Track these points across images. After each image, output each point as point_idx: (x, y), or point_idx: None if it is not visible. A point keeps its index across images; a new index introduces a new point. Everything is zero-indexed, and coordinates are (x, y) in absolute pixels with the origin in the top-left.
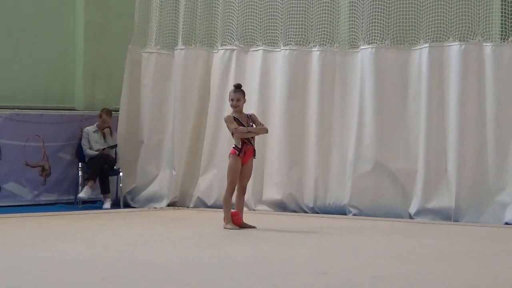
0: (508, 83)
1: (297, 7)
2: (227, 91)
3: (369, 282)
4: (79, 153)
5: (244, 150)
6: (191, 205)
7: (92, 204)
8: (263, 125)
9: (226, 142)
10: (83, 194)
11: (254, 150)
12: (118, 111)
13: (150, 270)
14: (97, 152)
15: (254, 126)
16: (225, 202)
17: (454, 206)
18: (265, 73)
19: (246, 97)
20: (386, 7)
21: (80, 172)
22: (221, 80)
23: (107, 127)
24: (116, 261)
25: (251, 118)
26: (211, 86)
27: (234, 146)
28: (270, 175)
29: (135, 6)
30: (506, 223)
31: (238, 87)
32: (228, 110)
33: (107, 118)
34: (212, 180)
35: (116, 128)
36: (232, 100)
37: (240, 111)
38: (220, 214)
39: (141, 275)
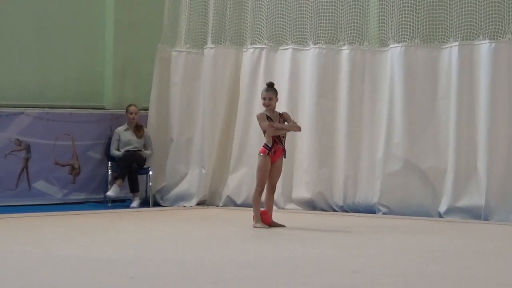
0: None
1: (326, 5)
2: (257, 90)
3: (398, 280)
4: (108, 152)
5: (274, 149)
6: (221, 204)
7: (121, 202)
8: (295, 123)
9: (256, 141)
10: (111, 192)
11: (284, 150)
12: (147, 109)
13: (179, 269)
14: (120, 153)
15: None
16: (255, 201)
17: (484, 205)
18: (295, 71)
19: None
20: (416, 5)
21: (109, 170)
22: (251, 79)
23: (136, 121)
24: (145, 260)
25: (283, 117)
26: (240, 85)
27: (264, 145)
28: (300, 174)
29: (165, 5)
30: None
31: (270, 86)
32: (259, 109)
33: (133, 109)
34: (242, 179)
35: (145, 126)
36: (264, 98)
37: (273, 110)
38: (249, 213)
39: (170, 274)
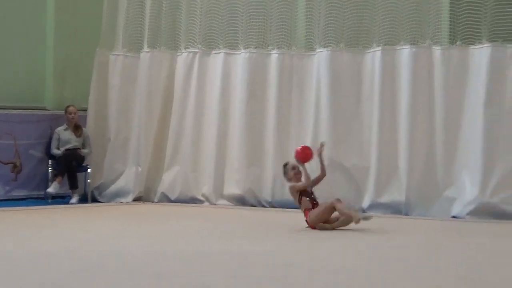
0: (456, 85)
1: (256, 11)
2: (190, 92)
3: (329, 274)
4: (49, 151)
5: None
6: (156, 200)
7: (61, 199)
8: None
9: (189, 140)
10: (51, 189)
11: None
12: (86, 110)
13: (117, 262)
14: (60, 152)
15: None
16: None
17: (405, 201)
18: (226, 74)
19: (208, 98)
20: (341, 12)
21: (50, 168)
22: (184, 82)
23: (75, 121)
24: (83, 253)
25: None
26: (175, 87)
27: (305, 211)
28: (231, 172)
29: (103, 10)
30: (453, 217)
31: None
32: (192, 110)
33: (72, 109)
34: (176, 176)
35: (84, 126)
36: (294, 169)
37: (299, 179)
38: (183, 209)
39: (109, 267)
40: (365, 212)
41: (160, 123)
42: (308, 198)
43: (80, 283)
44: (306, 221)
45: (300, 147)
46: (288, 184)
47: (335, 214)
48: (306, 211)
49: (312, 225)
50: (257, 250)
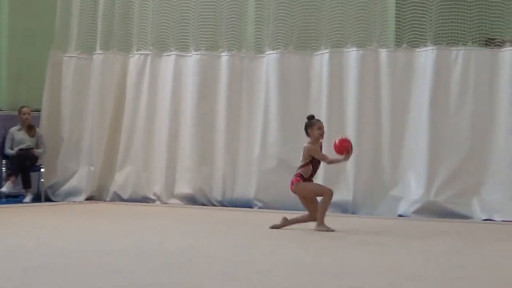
0: (402, 87)
1: (207, 14)
2: (142, 93)
3: (272, 270)
4: (3, 151)
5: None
6: (108, 199)
7: (15, 198)
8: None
9: (141, 140)
10: (5, 188)
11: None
12: (40, 111)
13: (70, 259)
14: (13, 152)
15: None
16: (324, 208)
17: (352, 200)
18: (177, 76)
19: (160, 99)
20: (290, 15)
21: (3, 168)
22: (136, 83)
23: (28, 121)
24: (37, 251)
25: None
26: (127, 88)
27: (298, 174)
28: (182, 171)
29: (56, 12)
30: (399, 215)
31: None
32: (144, 111)
33: (25, 110)
34: (128, 176)
35: (38, 126)
36: (320, 128)
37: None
38: (135, 207)
39: (62, 264)
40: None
41: (112, 124)
42: (313, 169)
43: (31, 280)
44: (292, 182)
45: (338, 140)
46: (308, 143)
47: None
48: (297, 177)
49: (295, 191)
50: (206, 248)
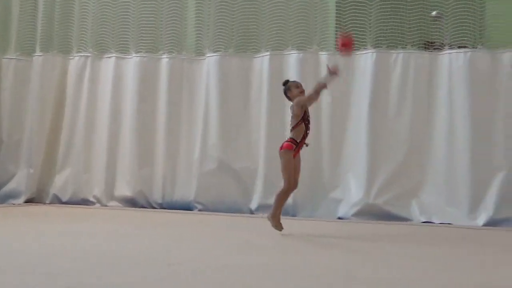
0: (342, 89)
1: (147, 17)
2: (82, 95)
3: (214, 272)
4: None
5: (300, 145)
6: (47, 202)
7: None
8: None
9: (81, 143)
10: None
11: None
12: None
13: (5, 261)
14: None
15: None
16: (281, 201)
17: (292, 202)
18: (118, 78)
19: (100, 101)
20: (230, 18)
21: None
22: (76, 85)
23: None
24: None
25: None
26: (67, 90)
27: (290, 139)
28: (122, 173)
29: None
30: (339, 218)
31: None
32: (84, 113)
33: None
34: (67, 178)
35: None
36: (298, 87)
37: None
38: (74, 210)
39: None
40: (254, 213)
41: (52, 126)
42: (305, 128)
43: None
44: (282, 146)
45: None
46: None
47: None
48: (290, 142)
49: (280, 154)
50: (142, 250)
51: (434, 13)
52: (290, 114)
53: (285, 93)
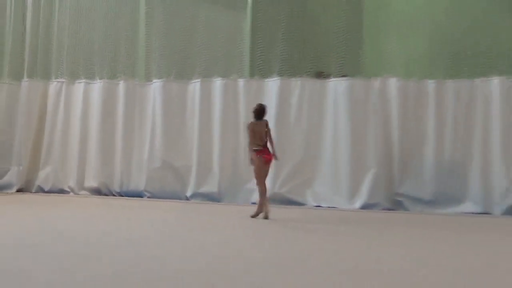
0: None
1: (109, 49)
2: (59, 112)
3: (139, 242)
4: None
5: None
6: (33, 191)
7: None
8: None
9: (59, 147)
10: None
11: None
12: None
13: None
14: None
15: None
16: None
17: (218, 191)
18: (86, 99)
19: (73, 117)
20: (171, 50)
21: None
22: (54, 104)
23: None
24: None
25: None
26: (47, 109)
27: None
28: (89, 170)
29: None
30: (252, 203)
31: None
32: (61, 126)
33: None
34: (48, 173)
35: None
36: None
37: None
38: (52, 198)
39: None
40: (189, 199)
41: (36, 134)
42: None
43: None
44: (269, 159)
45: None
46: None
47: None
48: (272, 155)
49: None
50: (105, 228)
51: (318, 72)
52: (265, 130)
53: (262, 114)
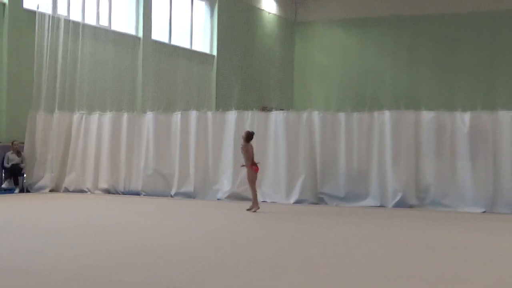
0: (216, 132)
1: (114, 88)
2: (80, 137)
3: (126, 228)
4: (3, 165)
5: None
6: (61, 191)
7: (9, 190)
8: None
9: (79, 162)
10: (4, 185)
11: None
12: (23, 143)
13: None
14: (8, 165)
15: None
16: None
17: (193, 191)
18: (100, 127)
19: (90, 139)
20: (160, 90)
21: (3, 174)
22: (77, 131)
23: (17, 149)
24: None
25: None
26: (72, 134)
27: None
28: (102, 175)
29: (33, 84)
30: (218, 199)
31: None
32: (80, 148)
33: (15, 142)
34: (72, 178)
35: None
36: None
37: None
38: (75, 195)
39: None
40: (173, 197)
41: (64, 151)
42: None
43: None
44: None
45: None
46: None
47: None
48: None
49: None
50: (111, 217)
51: (263, 107)
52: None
53: (251, 138)
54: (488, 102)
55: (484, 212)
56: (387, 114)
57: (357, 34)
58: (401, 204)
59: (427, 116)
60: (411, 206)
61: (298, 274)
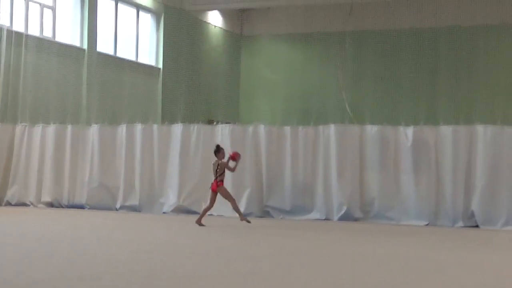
0: (164, 146)
1: (58, 99)
2: (23, 149)
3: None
4: None
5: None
6: (3, 204)
7: None
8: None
9: (22, 172)
10: None
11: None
12: None
13: None
14: None
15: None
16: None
17: (138, 204)
18: (43, 139)
19: (33, 152)
20: (105, 103)
21: None
22: (19, 143)
23: None
24: None
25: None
26: (14, 146)
27: (222, 181)
28: (45, 188)
29: None
30: (164, 212)
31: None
32: (22, 160)
33: None
34: (15, 191)
35: None
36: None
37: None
38: (17, 209)
39: None
40: (118, 210)
41: (6, 163)
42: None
43: None
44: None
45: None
46: (221, 160)
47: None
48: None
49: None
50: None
51: (209, 120)
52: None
53: (219, 152)
54: (430, 117)
55: (427, 225)
56: (332, 128)
57: (302, 49)
58: (346, 217)
59: (371, 130)
60: (356, 219)
61: (241, 287)
